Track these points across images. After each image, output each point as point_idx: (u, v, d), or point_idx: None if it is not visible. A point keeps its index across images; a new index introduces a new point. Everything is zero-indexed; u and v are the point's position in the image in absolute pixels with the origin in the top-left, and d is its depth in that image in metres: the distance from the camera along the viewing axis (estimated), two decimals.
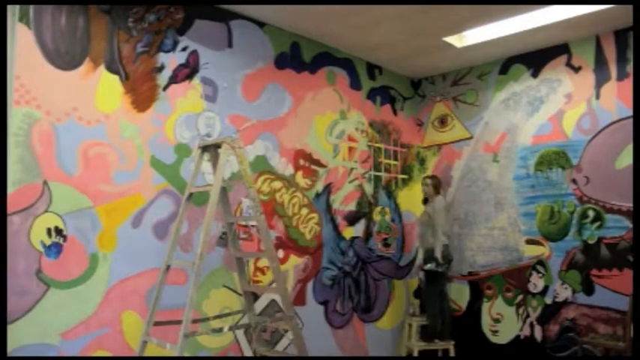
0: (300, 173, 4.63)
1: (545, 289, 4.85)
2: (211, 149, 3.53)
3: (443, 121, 5.78)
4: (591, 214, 4.63)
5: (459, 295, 5.45)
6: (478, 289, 5.32)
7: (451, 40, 4.84)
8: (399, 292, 5.51)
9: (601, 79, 4.69)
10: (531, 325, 4.92)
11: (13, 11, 3.10)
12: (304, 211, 4.63)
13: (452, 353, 5.13)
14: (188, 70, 3.92)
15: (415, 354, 5.08)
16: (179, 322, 3.10)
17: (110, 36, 3.51)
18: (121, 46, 3.56)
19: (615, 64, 4.61)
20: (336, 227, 4.91)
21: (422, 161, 5.91)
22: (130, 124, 3.54)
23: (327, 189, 4.87)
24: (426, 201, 5.26)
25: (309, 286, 4.62)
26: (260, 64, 4.40)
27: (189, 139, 3.87)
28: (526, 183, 5.07)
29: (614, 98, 4.59)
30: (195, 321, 3.71)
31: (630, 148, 4.45)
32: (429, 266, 5.01)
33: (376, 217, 5.34)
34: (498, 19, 4.40)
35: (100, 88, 3.44)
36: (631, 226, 4.39)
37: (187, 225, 3.77)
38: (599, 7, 4.15)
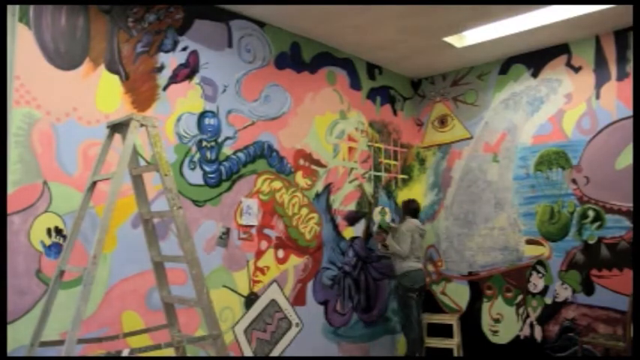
0: (300, 173, 4.63)
1: (545, 289, 4.85)
2: (123, 129, 2.82)
3: (443, 121, 5.78)
4: (591, 214, 4.63)
5: (459, 295, 5.45)
6: (478, 289, 5.32)
7: (451, 40, 4.84)
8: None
9: (601, 79, 4.69)
10: (531, 325, 4.92)
11: (13, 11, 3.09)
12: (304, 211, 4.63)
13: (456, 353, 5.14)
14: (188, 70, 3.92)
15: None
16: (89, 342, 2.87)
17: (110, 36, 3.51)
18: (121, 46, 3.56)
19: (615, 64, 4.61)
20: (336, 227, 4.92)
21: (422, 161, 5.91)
22: None
23: (327, 189, 4.87)
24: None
25: (309, 286, 4.62)
26: (260, 64, 4.40)
27: (189, 139, 3.87)
28: (526, 183, 5.07)
29: (614, 98, 4.59)
30: (126, 334, 3.02)
31: (630, 148, 4.45)
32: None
33: (376, 217, 5.34)
34: (498, 19, 4.40)
35: (100, 88, 3.44)
36: (631, 226, 4.39)
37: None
38: (599, 7, 4.15)
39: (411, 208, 5.17)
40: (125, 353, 2.49)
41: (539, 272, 4.91)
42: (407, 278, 4.90)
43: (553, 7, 4.21)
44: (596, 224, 4.60)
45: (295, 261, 4.52)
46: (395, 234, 5.08)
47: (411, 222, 5.05)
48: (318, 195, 4.78)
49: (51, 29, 3.24)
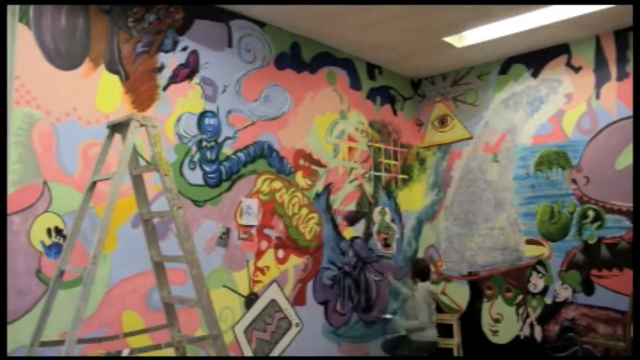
0: (300, 173, 4.63)
1: (545, 289, 4.85)
2: (123, 129, 2.82)
3: (443, 121, 5.78)
4: (591, 214, 4.63)
5: (459, 295, 5.45)
6: (478, 289, 5.32)
7: (451, 40, 4.84)
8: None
9: (601, 79, 4.69)
10: (531, 325, 4.91)
11: (13, 11, 3.09)
12: (304, 211, 4.63)
13: (456, 353, 5.14)
14: (188, 70, 3.92)
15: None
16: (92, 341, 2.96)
17: (110, 36, 3.51)
18: (121, 46, 3.56)
19: (615, 64, 4.61)
20: (336, 227, 4.91)
21: (422, 161, 5.91)
22: None
23: (327, 189, 4.87)
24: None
25: (309, 286, 4.62)
26: (260, 64, 4.40)
27: (189, 139, 3.87)
28: (526, 183, 5.07)
29: (614, 98, 4.59)
30: (126, 334, 3.06)
31: (630, 148, 4.45)
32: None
33: (376, 217, 5.34)
34: (498, 19, 4.40)
35: (100, 88, 3.44)
36: (631, 226, 4.39)
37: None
38: (599, 7, 4.15)
39: (421, 269, 4.72)
40: (125, 353, 2.49)
41: (539, 272, 4.91)
42: (422, 348, 4.46)
43: (553, 7, 4.21)
44: (596, 224, 4.60)
45: (295, 261, 4.52)
46: (407, 301, 4.78)
47: (423, 287, 4.56)
48: (318, 195, 4.78)
49: (51, 29, 3.24)
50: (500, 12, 4.27)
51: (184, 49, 3.90)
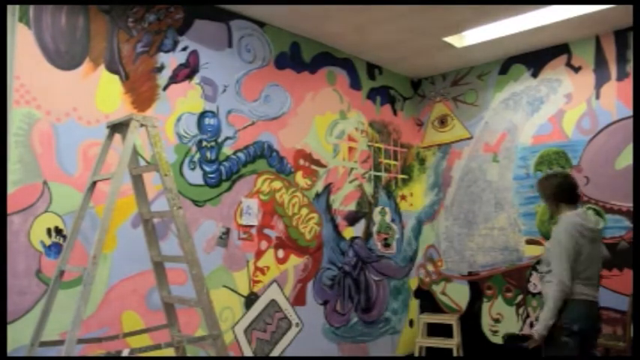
0: (300, 173, 4.63)
1: None
2: (123, 129, 2.82)
3: (443, 121, 5.78)
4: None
5: (459, 295, 5.45)
6: (478, 289, 5.32)
7: (451, 40, 4.84)
8: (399, 291, 5.52)
9: (601, 79, 4.69)
10: (531, 325, 4.91)
11: (13, 11, 3.09)
12: (304, 211, 4.63)
13: (456, 353, 5.14)
14: (188, 70, 3.92)
15: (417, 353, 5.09)
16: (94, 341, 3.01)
17: (110, 36, 3.51)
18: (121, 46, 3.56)
19: (615, 64, 4.61)
20: (336, 227, 4.91)
21: (422, 161, 5.91)
22: None
23: (327, 189, 4.87)
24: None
25: (309, 286, 4.62)
26: (260, 64, 4.40)
27: (189, 139, 3.87)
28: (526, 183, 5.07)
29: (614, 98, 4.59)
30: (126, 334, 3.04)
31: (630, 148, 4.45)
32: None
33: (376, 217, 5.34)
34: (498, 19, 4.40)
35: (100, 88, 3.44)
36: (631, 226, 4.39)
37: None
38: (599, 7, 4.15)
39: (564, 187, 3.05)
40: (125, 353, 2.49)
41: (539, 272, 4.90)
42: (566, 311, 2.91)
43: (553, 7, 4.21)
44: None
45: (295, 261, 4.52)
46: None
47: (565, 221, 2.98)
48: (318, 195, 4.78)
49: (51, 29, 3.24)
50: (500, 12, 4.27)
51: (184, 49, 3.90)
